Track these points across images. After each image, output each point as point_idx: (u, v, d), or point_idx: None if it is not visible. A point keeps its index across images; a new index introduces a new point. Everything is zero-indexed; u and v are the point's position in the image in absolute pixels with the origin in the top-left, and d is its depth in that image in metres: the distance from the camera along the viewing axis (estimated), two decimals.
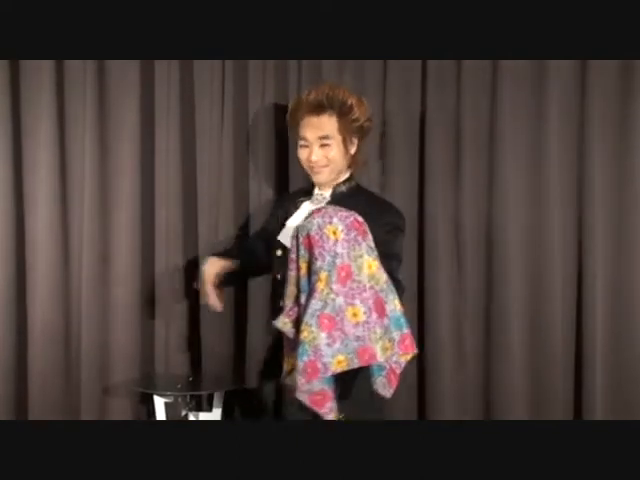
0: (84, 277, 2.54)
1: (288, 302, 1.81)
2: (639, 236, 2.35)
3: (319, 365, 1.64)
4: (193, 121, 2.53)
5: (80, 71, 2.53)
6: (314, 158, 1.96)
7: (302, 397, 1.71)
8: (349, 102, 1.94)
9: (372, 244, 1.77)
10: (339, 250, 1.70)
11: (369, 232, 1.78)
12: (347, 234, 1.72)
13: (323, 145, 1.96)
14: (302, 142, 1.99)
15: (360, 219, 1.77)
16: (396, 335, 1.74)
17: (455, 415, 2.38)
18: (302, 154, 2.00)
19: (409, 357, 1.79)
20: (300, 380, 1.65)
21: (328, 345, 1.64)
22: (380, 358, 1.69)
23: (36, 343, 2.58)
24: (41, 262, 2.56)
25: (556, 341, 2.37)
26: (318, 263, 1.71)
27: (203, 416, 2.42)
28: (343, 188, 2.01)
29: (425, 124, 2.39)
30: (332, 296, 1.67)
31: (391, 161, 2.41)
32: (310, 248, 1.74)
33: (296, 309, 1.78)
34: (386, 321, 1.71)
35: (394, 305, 1.74)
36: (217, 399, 2.41)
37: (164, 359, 2.55)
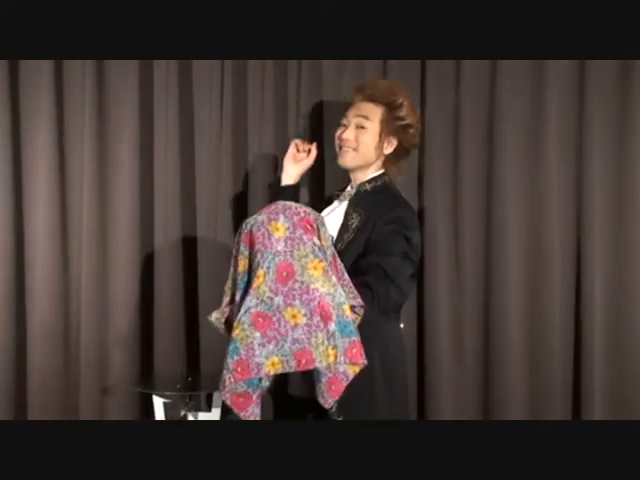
0: (83, 277, 2.54)
1: (225, 299, 1.76)
2: (637, 235, 2.36)
3: (251, 365, 1.56)
4: (192, 121, 2.52)
5: (79, 71, 2.52)
6: (345, 136, 1.96)
7: (225, 397, 1.64)
8: (400, 100, 1.95)
9: (325, 243, 1.69)
10: (280, 248, 1.63)
11: (320, 231, 1.69)
12: (292, 232, 1.64)
13: (359, 127, 1.95)
14: (343, 121, 1.99)
15: (311, 218, 1.69)
16: (342, 342, 1.60)
17: (454, 415, 2.38)
18: (338, 131, 2.00)
19: (357, 369, 1.66)
20: (230, 379, 1.57)
21: (262, 345, 1.57)
22: (319, 364, 1.58)
23: (35, 343, 2.57)
24: (40, 262, 2.56)
25: (555, 340, 2.38)
26: (256, 260, 1.63)
27: (202, 416, 2.42)
28: (367, 187, 1.97)
29: (425, 124, 2.39)
30: (269, 295, 1.59)
31: None
32: (250, 245, 1.66)
33: (229, 307, 1.74)
34: (332, 327, 1.60)
35: (342, 310, 1.62)
36: (216, 399, 2.41)
37: (163, 359, 2.55)
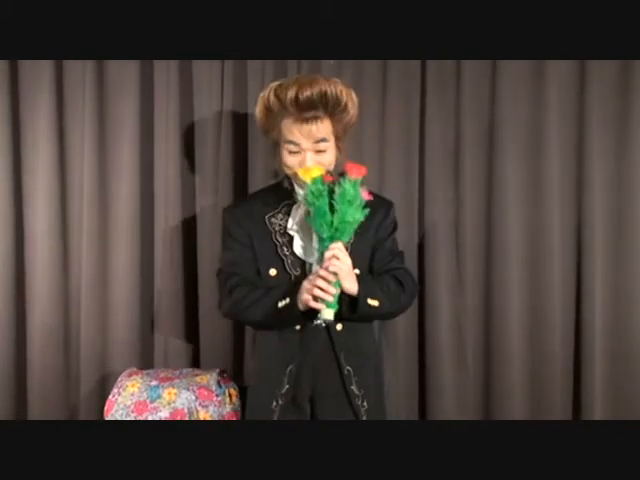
0: (83, 276, 2.54)
1: None
2: (638, 235, 2.36)
3: None
4: (192, 121, 2.52)
5: (79, 71, 2.52)
6: (309, 165, 1.76)
7: None
8: (344, 101, 1.78)
9: None
10: None
11: None
12: None
13: (318, 151, 1.78)
14: (291, 147, 1.78)
15: None
16: None
17: (455, 414, 2.38)
18: (291, 160, 1.79)
19: None
20: None
21: None
22: None
23: (35, 342, 2.57)
24: (40, 261, 2.56)
25: (555, 341, 2.38)
26: None
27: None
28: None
29: (425, 124, 2.40)
30: None
31: (390, 161, 2.41)
32: None
33: None
34: None
35: None
36: None
37: (163, 358, 2.55)
